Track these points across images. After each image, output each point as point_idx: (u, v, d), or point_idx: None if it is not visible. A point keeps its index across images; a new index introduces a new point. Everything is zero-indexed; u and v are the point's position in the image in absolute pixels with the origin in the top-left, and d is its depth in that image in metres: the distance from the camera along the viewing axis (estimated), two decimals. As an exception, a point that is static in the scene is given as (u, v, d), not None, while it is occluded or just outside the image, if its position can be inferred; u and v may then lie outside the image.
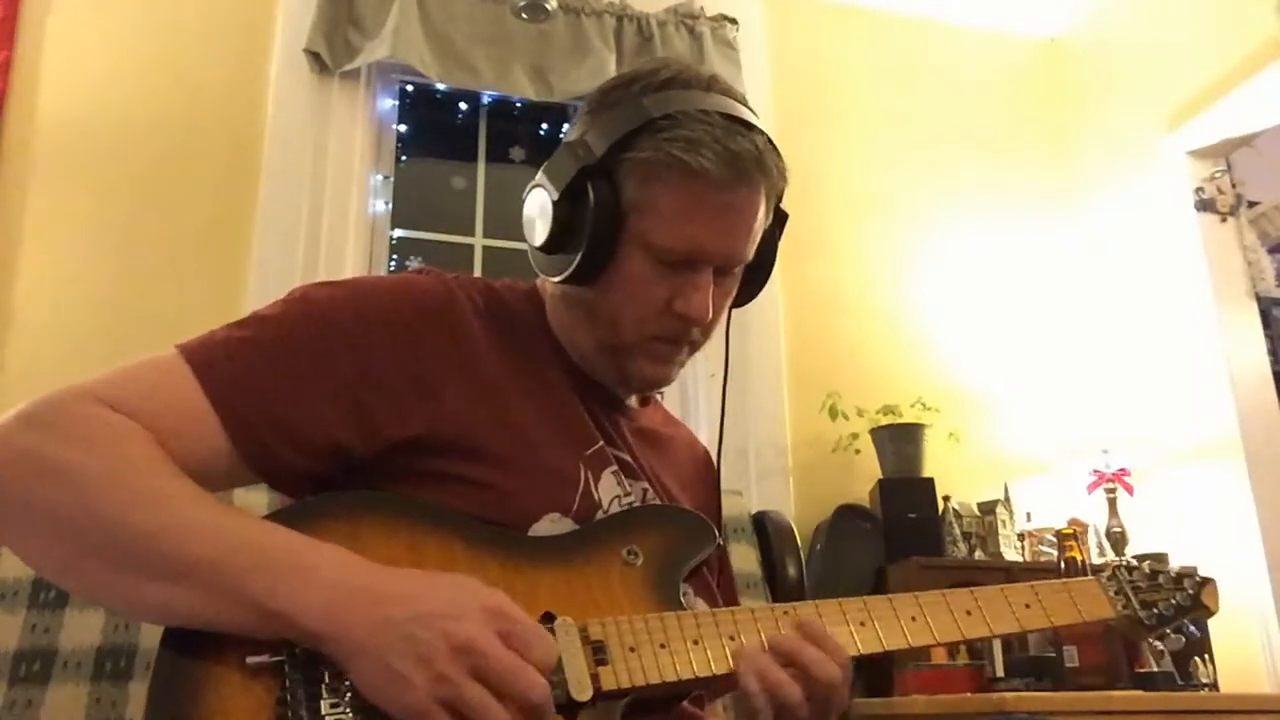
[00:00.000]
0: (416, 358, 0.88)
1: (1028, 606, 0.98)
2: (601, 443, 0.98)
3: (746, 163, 0.90)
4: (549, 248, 0.95)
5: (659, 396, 1.20)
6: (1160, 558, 1.13)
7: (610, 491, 0.95)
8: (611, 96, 0.96)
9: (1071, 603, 1.00)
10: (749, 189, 0.92)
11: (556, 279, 0.96)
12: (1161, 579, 1.07)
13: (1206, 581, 1.08)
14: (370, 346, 0.87)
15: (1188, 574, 1.08)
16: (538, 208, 0.96)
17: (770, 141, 0.94)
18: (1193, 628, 1.09)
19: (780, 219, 1.03)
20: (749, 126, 0.92)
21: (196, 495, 0.77)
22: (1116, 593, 1.04)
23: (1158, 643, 1.07)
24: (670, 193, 0.90)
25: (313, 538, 0.77)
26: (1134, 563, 1.08)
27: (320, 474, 0.86)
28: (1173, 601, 1.05)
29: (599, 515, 0.93)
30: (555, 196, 0.93)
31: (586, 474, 0.94)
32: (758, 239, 0.97)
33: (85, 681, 1.33)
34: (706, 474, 1.15)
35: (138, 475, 0.75)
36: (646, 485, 1.01)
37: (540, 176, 0.97)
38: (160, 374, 0.82)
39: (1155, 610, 1.04)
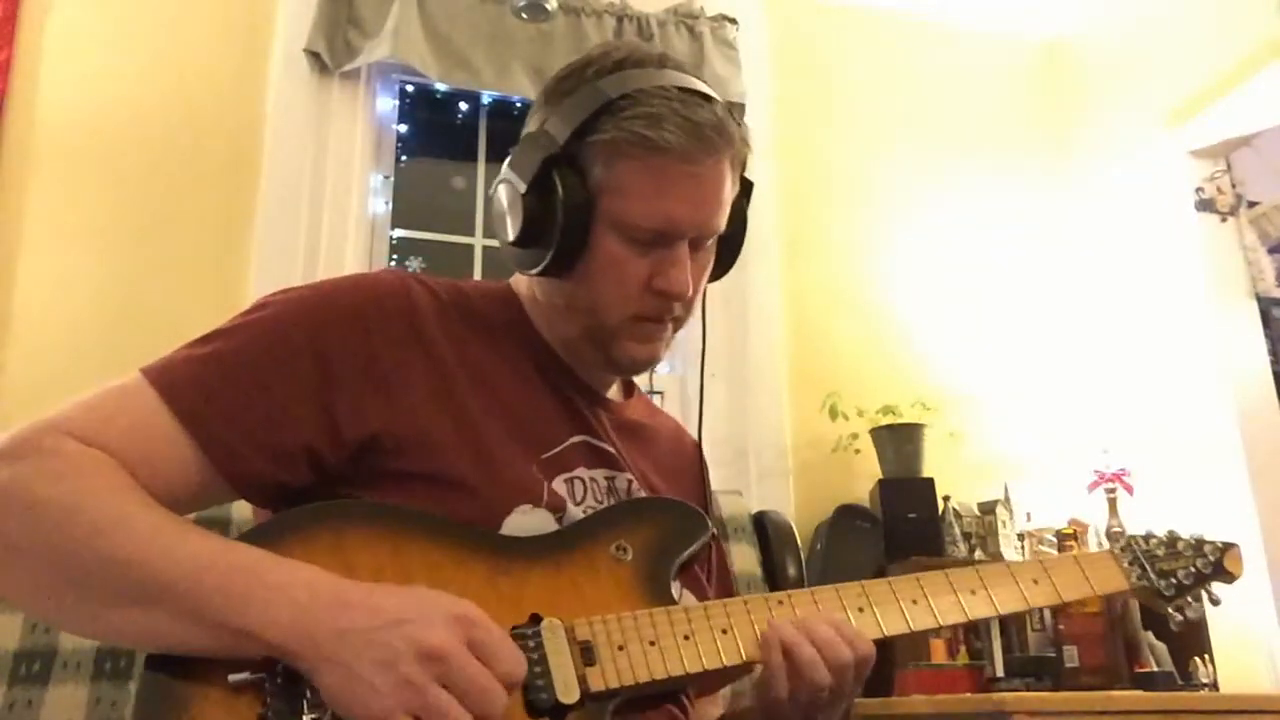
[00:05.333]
0: (374, 355, 0.88)
1: (1036, 582, 0.95)
2: (567, 443, 0.97)
3: (709, 132, 0.90)
4: (522, 241, 0.94)
5: (650, 392, 1.19)
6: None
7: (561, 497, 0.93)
8: (566, 84, 0.95)
9: (1083, 576, 0.98)
10: (714, 158, 0.92)
11: (533, 272, 0.95)
12: (1180, 546, 1.05)
13: (1229, 546, 1.06)
14: (329, 347, 0.87)
15: (1208, 540, 1.06)
16: (506, 203, 0.96)
17: (728, 110, 0.94)
18: (1217, 594, 1.05)
19: (746, 188, 1.03)
20: (706, 97, 0.92)
21: (162, 520, 0.76)
22: (1131, 563, 1.02)
23: (1178, 614, 1.04)
24: (637, 170, 0.90)
25: (282, 554, 0.76)
26: (1152, 532, 1.06)
27: (295, 484, 0.85)
28: (1192, 569, 1.03)
29: (564, 513, 0.92)
30: (522, 189, 0.92)
31: (541, 477, 0.93)
32: (727, 209, 0.97)
33: (85, 681, 1.33)
34: (693, 464, 1.13)
35: (103, 505, 0.75)
36: (630, 476, 1.00)
37: (506, 171, 0.96)
38: (125, 399, 0.81)
39: (1174, 579, 1.02)
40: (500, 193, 0.97)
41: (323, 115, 2.49)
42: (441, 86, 2.69)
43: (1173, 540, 1.06)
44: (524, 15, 2.54)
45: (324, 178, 2.45)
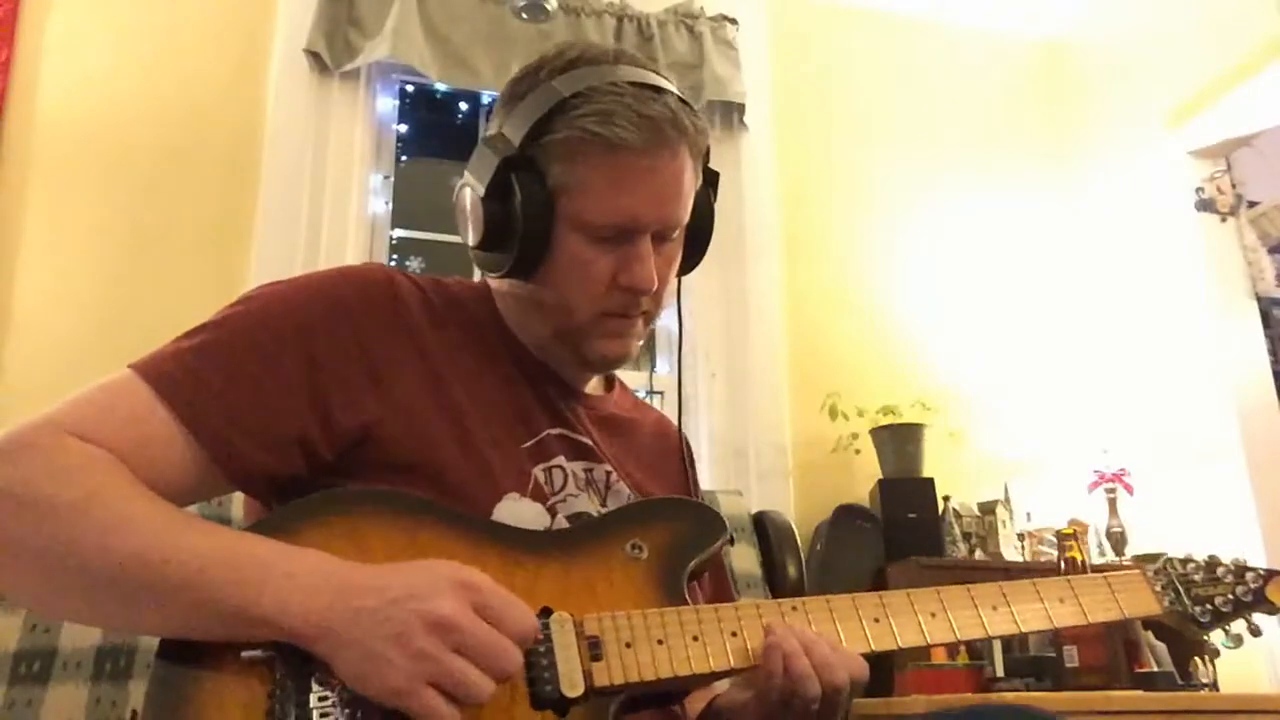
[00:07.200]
0: (362, 344, 0.89)
1: (1062, 601, 0.93)
2: (545, 434, 0.97)
3: (662, 125, 0.90)
4: (485, 245, 0.95)
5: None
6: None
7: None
8: (521, 85, 0.95)
9: (1112, 597, 0.95)
10: (669, 150, 0.92)
11: (497, 275, 0.96)
12: (1220, 572, 1.01)
13: (1273, 575, 1.01)
14: (316, 337, 0.87)
15: (1250, 567, 1.02)
16: (467, 207, 0.96)
17: (683, 101, 0.93)
18: (1258, 624, 1.00)
19: (711, 179, 1.02)
20: (659, 90, 0.92)
21: (169, 515, 0.77)
22: (1165, 586, 0.99)
23: (1218, 645, 1.02)
24: (593, 168, 0.90)
25: (299, 542, 0.77)
26: (1191, 555, 1.02)
27: (288, 474, 0.85)
28: (1231, 596, 1.00)
29: (550, 502, 0.92)
30: (481, 193, 0.93)
31: (526, 467, 0.93)
32: (690, 200, 0.97)
33: (85, 681, 1.33)
34: (677, 455, 1.13)
35: (109, 503, 0.75)
36: (609, 468, 1.01)
37: (466, 175, 0.96)
38: (119, 394, 0.81)
39: (1210, 606, 0.99)
40: (461, 197, 0.97)
41: (323, 115, 2.49)
42: (441, 86, 2.69)
43: (1212, 565, 1.02)
44: (524, 15, 2.55)
45: (324, 178, 2.45)
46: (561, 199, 0.91)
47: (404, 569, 0.75)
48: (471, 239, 0.96)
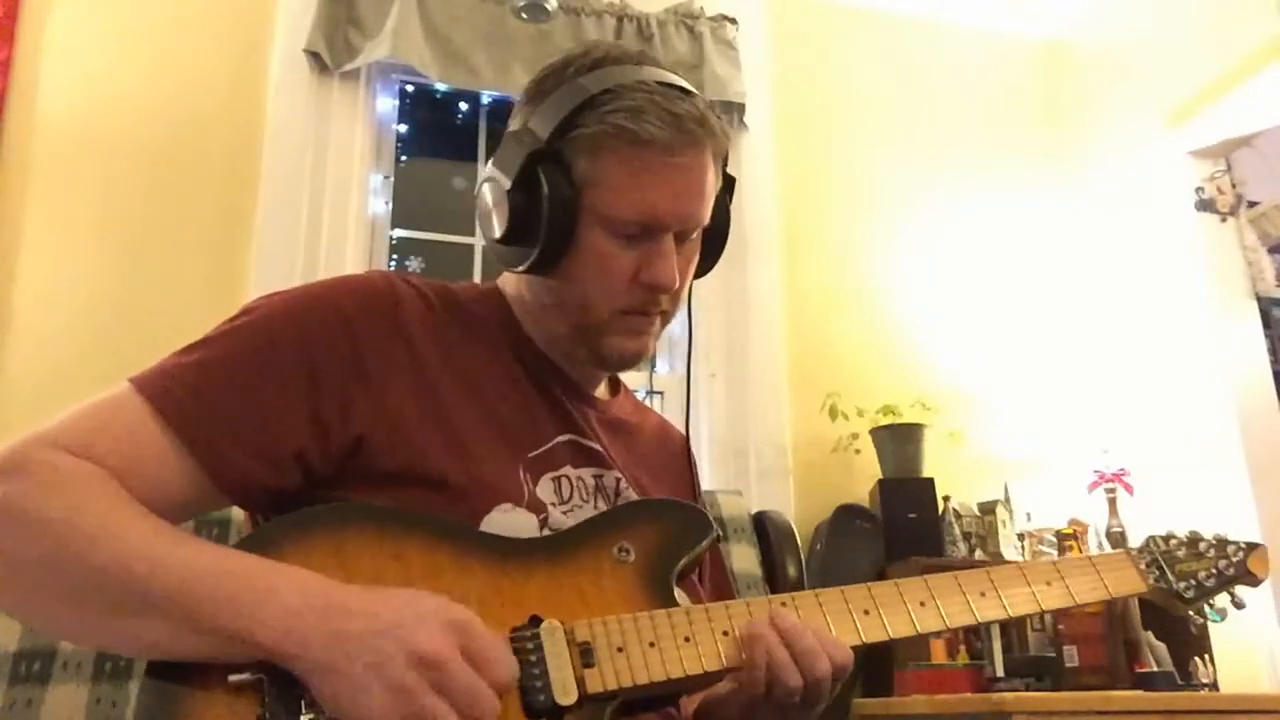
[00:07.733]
0: (360, 353, 0.88)
1: (1049, 584, 0.94)
2: (554, 442, 0.97)
3: (690, 124, 0.91)
4: (509, 239, 0.95)
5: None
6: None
7: (547, 497, 0.93)
8: (547, 83, 0.96)
9: (1098, 578, 0.96)
10: (696, 150, 0.92)
11: (520, 269, 0.96)
12: (1202, 546, 1.02)
13: (1254, 547, 1.02)
14: (316, 349, 0.87)
15: (1231, 540, 1.03)
16: (491, 201, 0.96)
17: (709, 104, 0.95)
18: (1241, 596, 1.01)
19: (729, 183, 1.03)
20: (686, 91, 0.93)
21: (155, 529, 0.77)
22: (1149, 564, 0.99)
23: (1199, 616, 1.02)
24: (620, 163, 0.90)
25: (282, 561, 0.76)
26: (1172, 532, 1.03)
27: (283, 487, 0.85)
28: (1214, 570, 1.00)
29: (546, 514, 0.92)
30: (507, 186, 0.93)
31: (526, 477, 0.93)
32: (711, 201, 0.97)
33: (85, 681, 1.33)
34: (681, 459, 1.13)
35: (96, 517, 0.75)
36: (619, 474, 1.00)
37: (490, 169, 0.96)
38: (115, 409, 0.81)
39: (1194, 581, 0.99)
40: (485, 191, 0.97)
41: (323, 115, 2.49)
42: (441, 86, 2.69)
43: (1194, 540, 1.03)
44: (524, 15, 2.54)
45: (324, 178, 2.45)
46: (587, 193, 0.92)
47: (393, 597, 0.74)
48: (496, 232, 0.96)
